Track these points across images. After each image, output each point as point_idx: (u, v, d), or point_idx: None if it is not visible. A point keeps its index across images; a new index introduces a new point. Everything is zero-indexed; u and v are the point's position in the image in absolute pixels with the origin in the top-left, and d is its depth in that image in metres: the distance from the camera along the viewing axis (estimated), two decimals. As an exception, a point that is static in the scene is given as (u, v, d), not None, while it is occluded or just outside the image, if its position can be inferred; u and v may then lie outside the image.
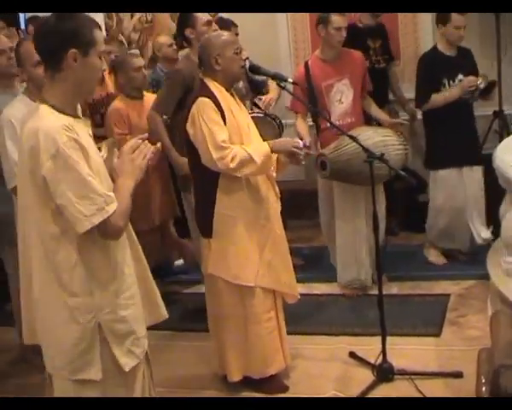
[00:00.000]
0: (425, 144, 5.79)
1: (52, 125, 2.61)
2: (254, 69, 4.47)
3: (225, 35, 4.16)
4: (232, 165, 3.83)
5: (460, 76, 5.42)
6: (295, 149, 3.99)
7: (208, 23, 4.99)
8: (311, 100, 5.19)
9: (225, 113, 3.94)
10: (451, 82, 5.45)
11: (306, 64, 5.37)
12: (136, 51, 6.25)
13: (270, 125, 5.30)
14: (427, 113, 5.60)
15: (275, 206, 4.18)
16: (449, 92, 5.42)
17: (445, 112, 5.41)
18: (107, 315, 2.78)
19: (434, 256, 5.80)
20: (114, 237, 2.73)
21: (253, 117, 5.00)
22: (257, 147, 3.97)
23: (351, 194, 5.20)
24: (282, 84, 4.33)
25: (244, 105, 5.54)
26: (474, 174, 5.54)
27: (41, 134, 2.59)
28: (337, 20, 5.11)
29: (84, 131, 2.76)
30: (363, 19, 6.01)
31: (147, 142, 2.83)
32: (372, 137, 4.84)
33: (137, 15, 7.63)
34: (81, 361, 2.77)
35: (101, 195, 2.61)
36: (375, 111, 5.51)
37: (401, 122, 5.45)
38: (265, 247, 4.07)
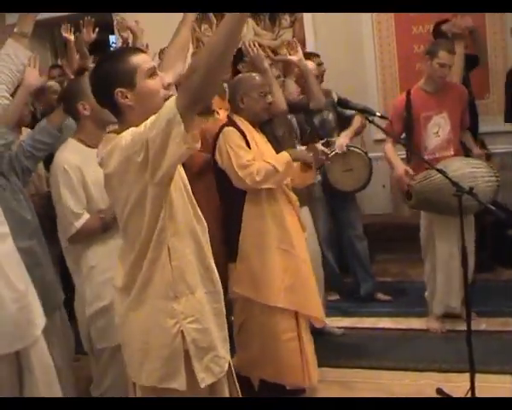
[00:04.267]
0: None
1: None
2: (343, 103, 4.52)
3: (256, 78, 4.36)
4: (258, 178, 4.07)
5: None
6: (313, 158, 4.29)
7: None
8: (408, 129, 5.22)
9: (250, 142, 4.18)
10: None
11: (408, 92, 5.38)
12: None
13: (359, 157, 5.32)
14: None
15: (300, 234, 4.35)
16: None
17: None
18: (190, 324, 2.81)
19: None
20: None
21: (343, 151, 5.08)
22: (278, 157, 4.20)
23: (447, 224, 5.14)
24: (370, 119, 4.34)
25: (331, 137, 5.64)
26: None
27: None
28: (444, 56, 5.11)
29: None
30: None
31: None
32: (461, 168, 4.80)
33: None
34: (166, 369, 2.79)
35: None
36: (470, 144, 5.49)
37: (487, 153, 5.39)
38: (288, 271, 4.22)
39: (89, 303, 3.79)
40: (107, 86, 2.75)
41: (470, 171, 4.84)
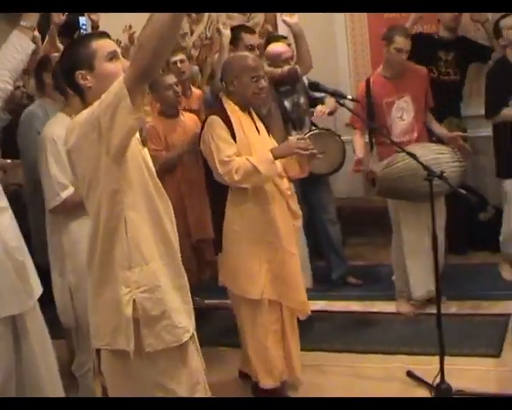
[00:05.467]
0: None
1: None
2: (313, 86, 4.50)
3: (248, 60, 4.20)
4: (237, 177, 3.95)
5: None
6: (298, 151, 4.11)
7: (251, 47, 5.03)
8: (370, 116, 5.22)
9: (236, 131, 4.06)
10: None
11: (368, 80, 5.40)
12: None
13: (333, 140, 5.31)
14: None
15: (288, 224, 4.23)
16: None
17: None
18: (142, 293, 2.86)
19: (508, 272, 5.72)
20: None
21: (315, 134, 5.04)
22: (259, 156, 4.05)
23: (413, 209, 5.16)
24: (341, 102, 4.33)
25: (304, 121, 5.62)
26: None
27: None
28: (400, 41, 5.14)
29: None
30: (440, 31, 6.00)
31: None
32: (425, 155, 4.79)
33: (197, 32, 7.70)
34: (116, 333, 2.87)
35: None
36: (435, 126, 5.49)
37: (461, 135, 5.41)
38: (272, 263, 4.14)
39: (72, 277, 3.92)
40: (69, 68, 2.93)
41: (434, 157, 4.83)
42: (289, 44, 5.79)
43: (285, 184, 4.25)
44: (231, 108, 4.14)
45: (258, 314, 4.16)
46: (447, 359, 4.08)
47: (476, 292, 5.57)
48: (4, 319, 3.46)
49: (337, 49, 7.08)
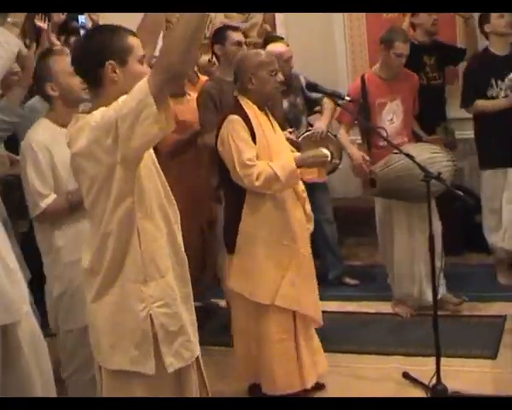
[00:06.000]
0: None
1: None
2: (311, 87, 4.50)
3: (262, 55, 4.15)
4: (258, 183, 3.87)
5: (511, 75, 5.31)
6: (321, 163, 4.14)
7: (238, 43, 5.03)
8: (364, 114, 5.23)
9: (256, 131, 3.97)
10: (500, 82, 5.41)
11: (363, 78, 5.40)
12: None
13: (329, 140, 5.33)
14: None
15: (303, 227, 4.19)
16: (497, 102, 5.40)
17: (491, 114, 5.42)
18: (159, 308, 2.81)
19: (504, 276, 5.77)
20: None
21: (313, 134, 5.04)
22: (283, 164, 3.96)
23: (406, 210, 5.18)
24: (338, 102, 4.33)
25: (301, 121, 5.62)
26: None
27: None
28: (400, 46, 5.14)
29: None
30: (418, 36, 5.99)
31: None
32: (421, 153, 4.82)
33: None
34: (135, 353, 2.79)
35: None
36: (417, 130, 5.55)
37: (439, 138, 5.45)
38: (288, 268, 4.06)
39: (56, 284, 3.81)
40: (100, 55, 2.74)
41: (429, 156, 4.85)
42: (288, 45, 5.79)
43: (301, 186, 4.21)
44: (249, 106, 4.05)
45: (264, 321, 4.07)
46: (443, 360, 4.09)
47: (472, 293, 5.56)
48: None
49: (336, 49, 7.05)
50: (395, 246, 5.34)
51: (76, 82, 3.28)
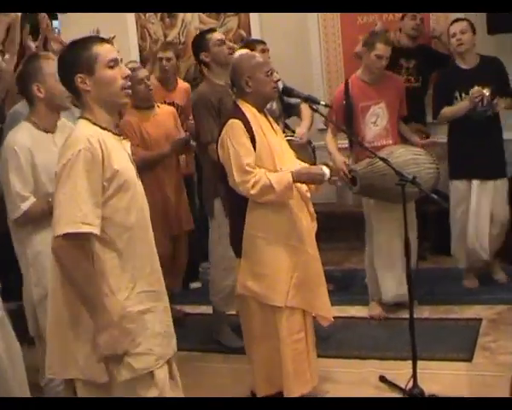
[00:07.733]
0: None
1: (79, 134, 2.84)
2: (287, 91, 4.49)
3: (256, 57, 4.15)
4: (253, 191, 3.84)
5: (476, 88, 5.39)
6: (317, 181, 4.04)
7: (220, 42, 5.02)
8: (348, 119, 5.27)
9: (256, 135, 3.93)
10: (464, 94, 5.45)
11: (347, 82, 5.45)
12: (136, 64, 6.33)
13: (304, 148, 5.33)
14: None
15: (309, 227, 4.14)
16: (458, 106, 5.46)
17: (461, 125, 5.48)
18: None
19: (471, 280, 5.80)
20: (68, 259, 2.82)
21: (287, 141, 5.03)
22: (281, 176, 3.91)
23: (387, 212, 5.20)
24: (314, 107, 4.33)
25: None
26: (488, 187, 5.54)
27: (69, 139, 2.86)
28: (381, 48, 5.18)
29: (115, 146, 2.91)
30: (402, 39, 6.05)
31: None
32: (404, 154, 4.86)
33: (171, 37, 7.67)
34: (88, 363, 2.86)
35: (82, 210, 2.75)
36: (408, 134, 5.55)
37: (433, 141, 5.48)
38: (296, 268, 4.02)
39: (35, 289, 3.80)
40: (69, 71, 2.91)
41: (413, 157, 4.91)
42: (268, 49, 5.76)
43: (304, 186, 4.13)
44: (249, 110, 4.00)
45: (280, 323, 4.01)
46: (419, 363, 4.10)
47: (448, 296, 5.60)
48: None
49: (311, 54, 7.09)
50: (375, 247, 5.38)
51: (62, 88, 3.29)
